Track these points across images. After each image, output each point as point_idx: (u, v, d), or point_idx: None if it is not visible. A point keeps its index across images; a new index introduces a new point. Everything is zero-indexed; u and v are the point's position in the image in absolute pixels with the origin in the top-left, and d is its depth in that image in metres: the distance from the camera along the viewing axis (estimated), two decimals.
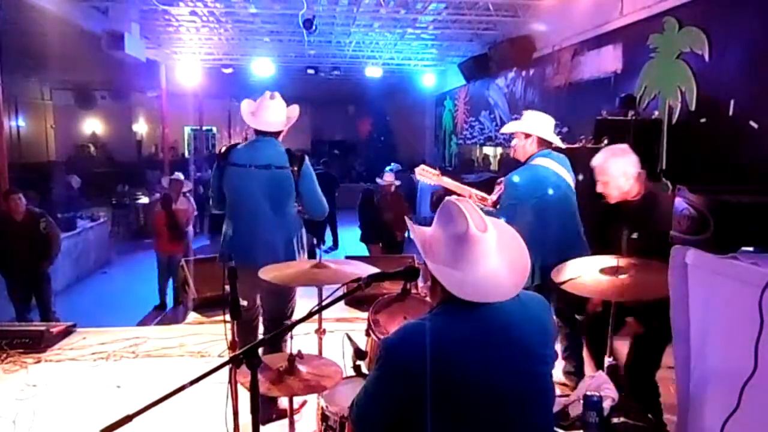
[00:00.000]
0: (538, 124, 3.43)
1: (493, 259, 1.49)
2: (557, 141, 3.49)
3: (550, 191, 3.31)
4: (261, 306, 3.47)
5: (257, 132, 3.38)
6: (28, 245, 5.70)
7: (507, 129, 3.61)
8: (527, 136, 3.41)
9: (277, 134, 3.40)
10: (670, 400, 2.31)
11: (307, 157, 3.40)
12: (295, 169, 3.27)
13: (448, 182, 3.63)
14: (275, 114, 3.38)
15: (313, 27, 7.79)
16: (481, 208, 3.40)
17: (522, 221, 3.21)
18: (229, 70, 13.43)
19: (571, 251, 3.07)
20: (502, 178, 3.52)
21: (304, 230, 3.48)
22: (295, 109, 3.50)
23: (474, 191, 3.56)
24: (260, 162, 3.25)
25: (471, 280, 1.46)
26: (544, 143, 3.41)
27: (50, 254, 5.93)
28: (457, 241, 1.48)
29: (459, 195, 3.66)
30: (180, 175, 8.14)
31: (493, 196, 3.54)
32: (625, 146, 3.16)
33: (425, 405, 1.37)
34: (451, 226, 1.49)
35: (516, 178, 3.30)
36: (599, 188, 3.02)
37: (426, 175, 3.65)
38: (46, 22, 7.38)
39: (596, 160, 3.02)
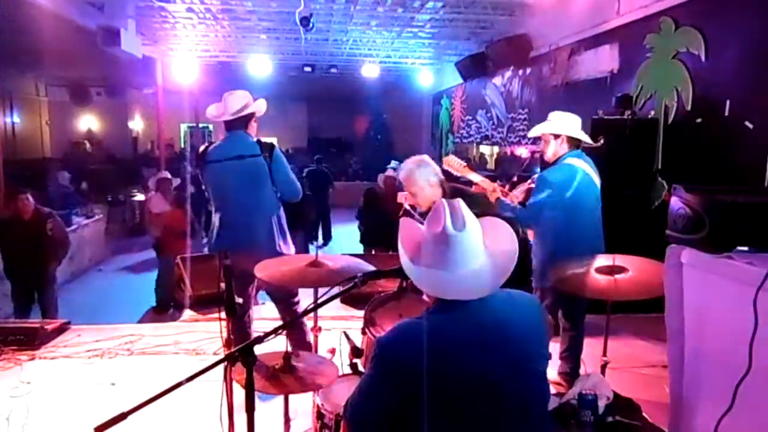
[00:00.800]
0: (567, 124, 3.43)
1: (470, 258, 1.47)
2: (587, 139, 3.49)
3: (582, 190, 3.32)
4: (268, 294, 3.57)
5: (227, 128, 3.57)
6: (34, 246, 5.59)
7: (536, 131, 3.55)
8: (556, 137, 3.42)
9: (245, 126, 3.56)
10: (664, 400, 2.32)
11: (276, 146, 3.63)
12: (267, 155, 3.49)
13: (473, 175, 3.65)
14: (232, 104, 3.54)
15: (310, 25, 7.77)
16: (507, 205, 3.42)
17: (552, 219, 3.25)
18: (225, 67, 13.39)
19: (596, 251, 3.09)
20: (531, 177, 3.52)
21: (282, 211, 3.67)
22: (261, 102, 3.62)
23: (498, 185, 3.57)
24: (234, 154, 3.48)
25: (447, 278, 1.46)
26: (572, 143, 3.42)
27: (57, 256, 5.85)
28: (434, 241, 1.49)
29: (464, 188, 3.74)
30: (167, 173, 7.92)
31: (516, 193, 3.54)
32: (424, 157, 3.32)
33: (420, 403, 1.37)
34: (433, 226, 1.50)
35: (550, 177, 3.31)
36: (407, 199, 3.21)
37: (453, 165, 3.69)
38: (41, 18, 7.32)
39: (402, 173, 3.21)
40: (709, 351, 1.98)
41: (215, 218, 3.62)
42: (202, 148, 3.65)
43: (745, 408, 1.70)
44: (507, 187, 3.71)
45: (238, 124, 3.54)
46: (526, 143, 9.24)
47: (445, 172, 3.67)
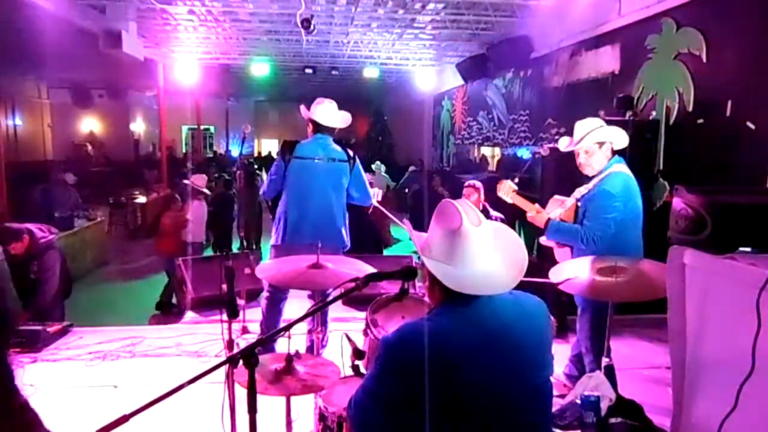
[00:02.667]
0: (609, 130, 3.26)
1: (489, 253, 1.52)
2: (625, 143, 3.32)
3: (637, 196, 3.20)
4: None
5: (315, 130, 3.90)
6: (20, 285, 4.69)
7: (588, 141, 3.22)
8: (601, 144, 3.22)
9: (332, 133, 3.93)
10: (667, 401, 2.31)
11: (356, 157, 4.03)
12: (351, 162, 3.89)
13: (519, 201, 3.56)
14: (332, 112, 3.93)
15: (311, 27, 7.76)
16: (565, 225, 3.25)
17: (618, 231, 3.08)
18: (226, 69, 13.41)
19: (640, 254, 3.07)
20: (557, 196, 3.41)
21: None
22: (347, 114, 3.98)
23: (538, 206, 3.48)
24: (325, 156, 3.83)
25: (467, 273, 1.48)
26: (612, 149, 3.27)
27: (36, 300, 4.78)
28: (451, 236, 1.51)
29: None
30: (204, 176, 8.12)
31: (556, 215, 3.36)
32: None
33: (424, 404, 1.37)
34: (447, 223, 1.53)
35: (614, 189, 3.11)
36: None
37: (503, 190, 3.65)
38: (43, 21, 7.34)
39: None
40: (712, 352, 1.97)
41: (289, 212, 3.79)
42: (287, 144, 3.93)
43: (749, 408, 1.70)
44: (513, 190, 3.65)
45: (330, 131, 3.91)
46: (528, 145, 9.24)
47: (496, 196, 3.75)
